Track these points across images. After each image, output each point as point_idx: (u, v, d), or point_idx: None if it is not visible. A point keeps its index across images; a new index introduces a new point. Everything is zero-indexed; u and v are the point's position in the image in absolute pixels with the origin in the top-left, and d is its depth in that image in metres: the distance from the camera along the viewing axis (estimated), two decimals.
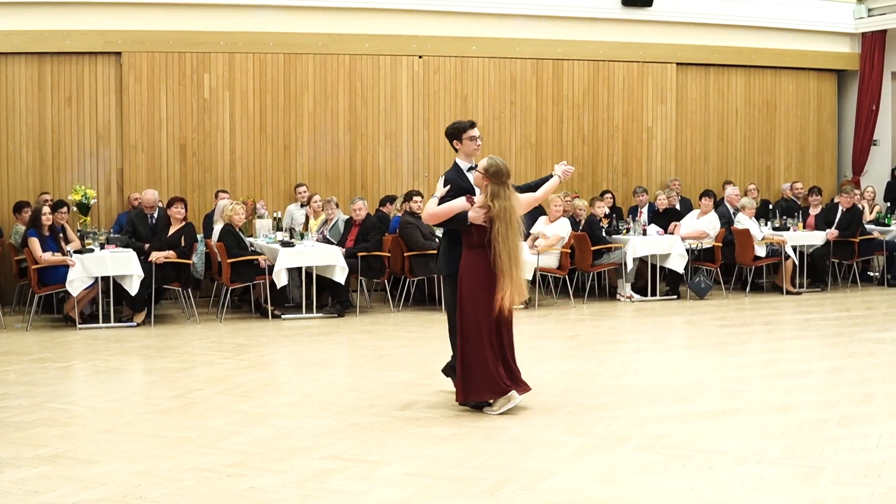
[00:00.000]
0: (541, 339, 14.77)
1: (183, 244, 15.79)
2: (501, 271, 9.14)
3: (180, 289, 16.09)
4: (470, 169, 9.87)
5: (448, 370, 10.14)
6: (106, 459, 7.95)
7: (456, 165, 9.98)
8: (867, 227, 19.68)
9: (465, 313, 9.40)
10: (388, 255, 16.85)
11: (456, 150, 10.10)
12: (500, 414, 9.26)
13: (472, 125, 9.99)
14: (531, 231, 17.69)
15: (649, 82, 21.15)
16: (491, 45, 20.09)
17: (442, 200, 9.58)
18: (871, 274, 20.52)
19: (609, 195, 19.99)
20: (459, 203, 9.44)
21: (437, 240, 16.71)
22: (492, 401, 9.40)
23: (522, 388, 9.58)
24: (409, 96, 19.70)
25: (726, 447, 8.12)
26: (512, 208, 9.27)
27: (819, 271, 19.31)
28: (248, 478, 7.41)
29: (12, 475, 7.51)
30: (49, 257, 14.98)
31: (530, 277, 16.91)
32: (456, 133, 9.96)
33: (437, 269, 10.63)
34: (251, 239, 17.07)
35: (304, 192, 18.58)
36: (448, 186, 9.72)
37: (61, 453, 8.15)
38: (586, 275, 18.18)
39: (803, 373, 11.50)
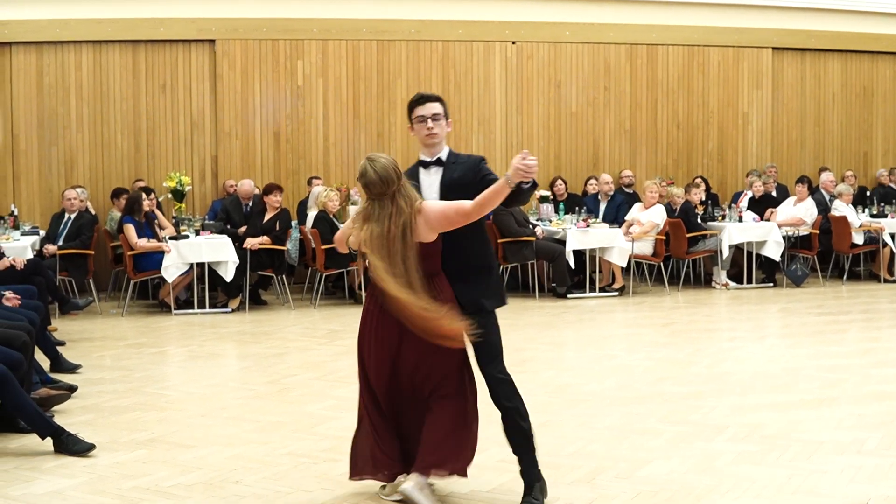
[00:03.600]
0: (636, 326, 14.69)
1: (277, 230, 15.87)
2: (398, 317, 6.43)
3: (275, 275, 16.16)
4: (427, 165, 6.94)
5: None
6: (201, 444, 8.01)
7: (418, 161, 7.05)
8: None
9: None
10: None
11: None
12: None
13: (420, 100, 6.92)
14: (626, 217, 17.62)
15: (745, 67, 20.94)
16: (584, 30, 19.99)
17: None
18: None
19: (699, 179, 19.76)
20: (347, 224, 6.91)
21: (531, 226, 16.69)
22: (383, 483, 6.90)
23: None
24: (502, 82, 19.64)
25: (824, 436, 8.01)
26: (383, 234, 6.39)
27: None
28: (343, 463, 7.38)
29: (109, 459, 7.58)
30: (144, 244, 15.11)
31: (625, 264, 16.86)
32: (408, 113, 7.02)
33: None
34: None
35: None
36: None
37: (157, 437, 8.22)
38: (681, 262, 18.05)
39: None
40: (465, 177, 6.73)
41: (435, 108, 6.84)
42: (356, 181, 6.97)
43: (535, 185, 6.33)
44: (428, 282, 6.41)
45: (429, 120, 6.78)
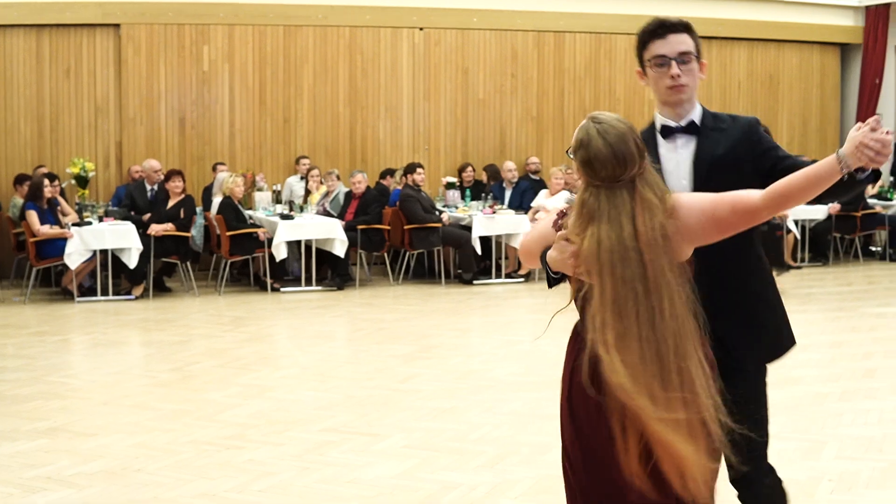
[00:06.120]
0: (541, 312, 14.72)
1: (182, 217, 15.75)
2: (618, 395, 3.86)
3: (179, 262, 16.04)
4: (671, 132, 4.50)
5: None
6: (104, 432, 7.93)
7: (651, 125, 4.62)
8: (869, 201, 19.58)
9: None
10: (388, 227, 16.78)
11: None
12: None
13: (660, 31, 4.43)
14: (532, 204, 17.66)
15: None
16: (492, 17, 19.99)
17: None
18: (873, 249, 20.45)
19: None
20: (542, 225, 4.40)
21: (437, 213, 16.70)
22: None
23: None
24: (409, 69, 19.60)
25: None
26: (624, 245, 3.83)
27: (821, 245, 19.25)
28: (246, 450, 7.38)
29: (10, 448, 7.49)
30: (47, 230, 14.93)
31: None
32: (637, 51, 4.55)
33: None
34: (250, 212, 17.01)
35: (307, 163, 18.51)
36: None
37: (59, 426, 8.12)
38: None
39: (805, 347, 11.39)
40: (734, 152, 4.40)
41: (683, 43, 4.42)
42: (567, 154, 4.06)
43: (877, 176, 3.77)
44: None
45: (673, 63, 4.40)
